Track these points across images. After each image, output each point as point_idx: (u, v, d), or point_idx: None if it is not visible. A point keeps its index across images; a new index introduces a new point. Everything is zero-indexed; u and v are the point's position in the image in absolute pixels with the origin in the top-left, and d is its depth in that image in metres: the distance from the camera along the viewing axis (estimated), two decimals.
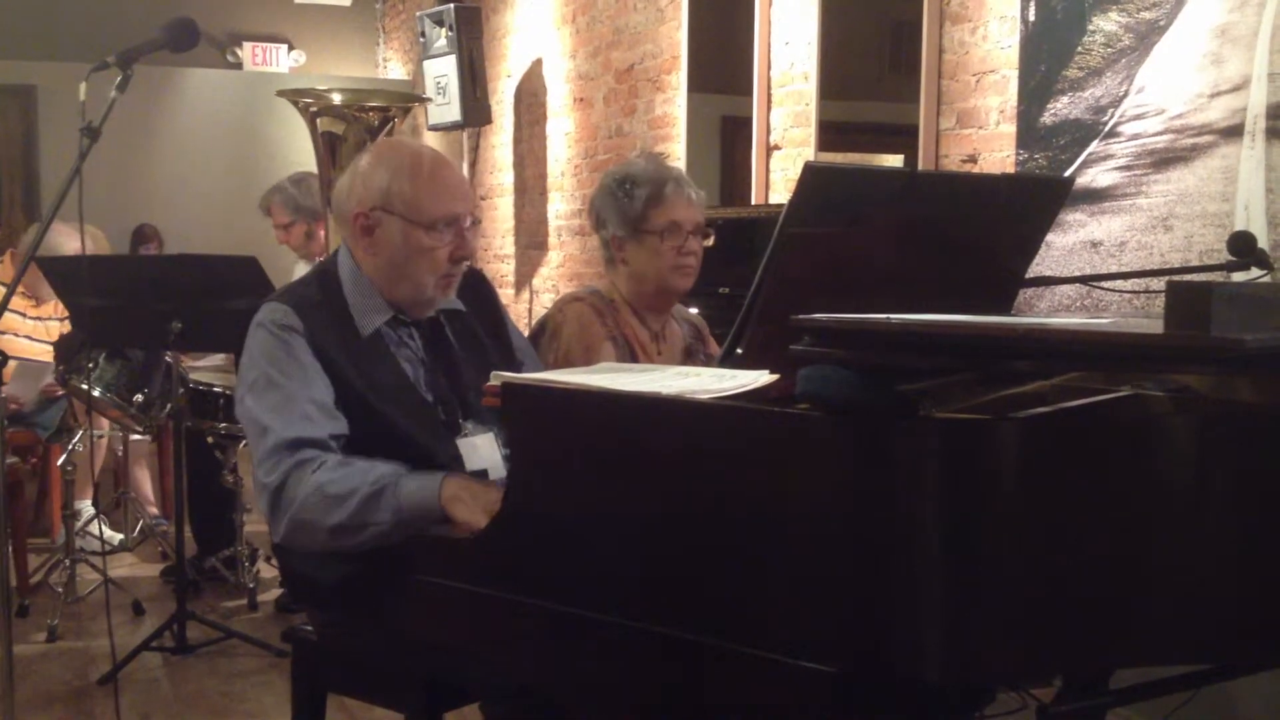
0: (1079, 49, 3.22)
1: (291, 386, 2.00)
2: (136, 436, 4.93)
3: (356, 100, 4.17)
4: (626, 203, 2.54)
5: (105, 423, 4.68)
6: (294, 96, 4.24)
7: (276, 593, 4.31)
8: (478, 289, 2.33)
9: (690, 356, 2.67)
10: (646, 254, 2.55)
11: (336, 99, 4.15)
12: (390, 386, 2.08)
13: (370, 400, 2.03)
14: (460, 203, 2.13)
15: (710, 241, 2.61)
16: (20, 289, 4.39)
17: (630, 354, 2.54)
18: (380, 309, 2.13)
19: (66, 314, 5.05)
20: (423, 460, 1.99)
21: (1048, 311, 3.24)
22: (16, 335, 4.71)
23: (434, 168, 2.13)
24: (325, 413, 2.00)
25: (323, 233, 4.45)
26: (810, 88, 4.39)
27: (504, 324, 2.35)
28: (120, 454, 5.13)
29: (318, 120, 4.13)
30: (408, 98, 4.41)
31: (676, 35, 5.33)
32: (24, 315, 4.76)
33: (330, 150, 4.14)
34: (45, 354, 4.85)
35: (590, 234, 2.96)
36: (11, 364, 4.55)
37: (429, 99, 4.67)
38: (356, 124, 4.08)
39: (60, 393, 4.67)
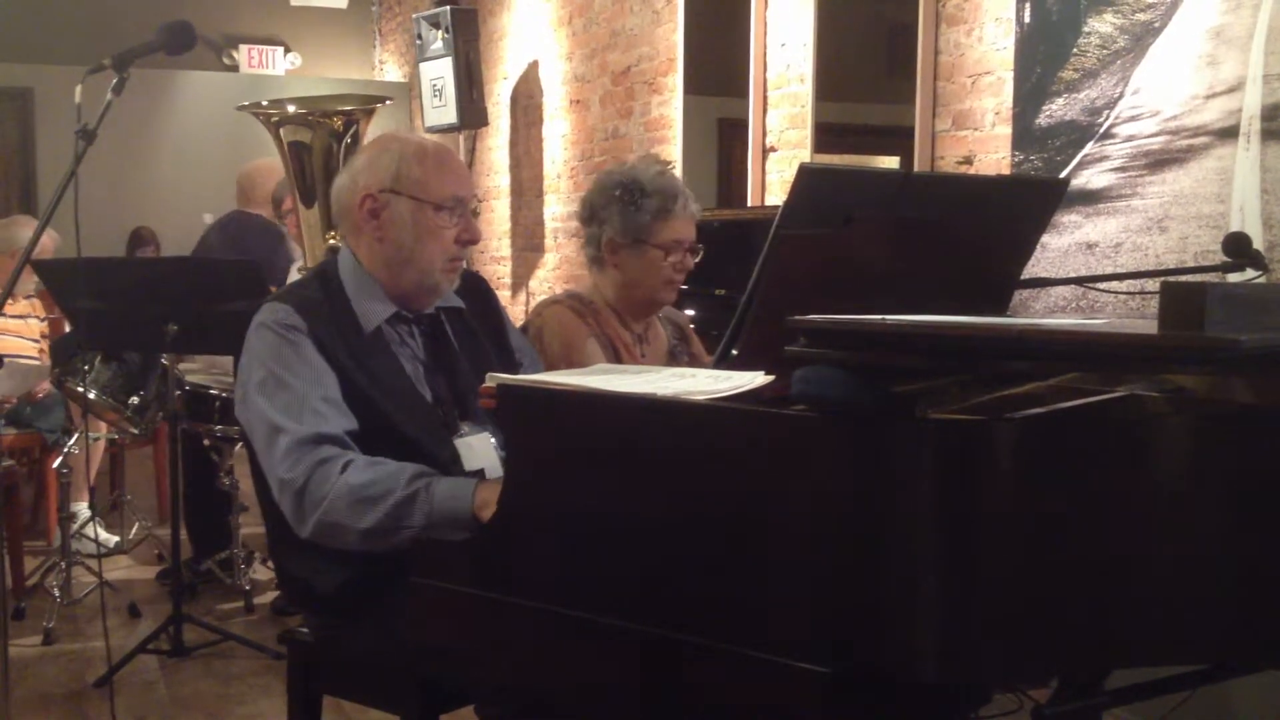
0: (1074, 51, 3.22)
1: (301, 385, 2.00)
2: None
3: (316, 106, 4.14)
4: (632, 211, 2.50)
5: (103, 425, 4.68)
6: (254, 110, 4.21)
7: (272, 595, 4.30)
8: (476, 288, 2.34)
9: (674, 358, 2.66)
10: (643, 265, 2.52)
11: (291, 109, 4.12)
12: (392, 385, 2.08)
13: (372, 398, 2.04)
14: (465, 186, 2.17)
15: (699, 257, 2.60)
16: None
17: (614, 355, 2.52)
18: (383, 304, 2.13)
19: (44, 313, 5.06)
20: (421, 460, 1.99)
21: (1043, 313, 3.24)
22: (4, 335, 4.72)
23: (439, 152, 2.17)
24: (337, 409, 2.00)
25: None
26: (806, 90, 4.40)
27: (503, 324, 2.36)
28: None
29: (281, 130, 4.11)
30: (369, 99, 4.35)
31: (673, 38, 5.33)
32: (5, 316, 4.76)
33: (298, 159, 4.11)
34: (33, 351, 4.85)
35: None
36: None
37: (389, 99, 4.63)
38: (321, 129, 4.06)
39: (43, 394, 4.67)
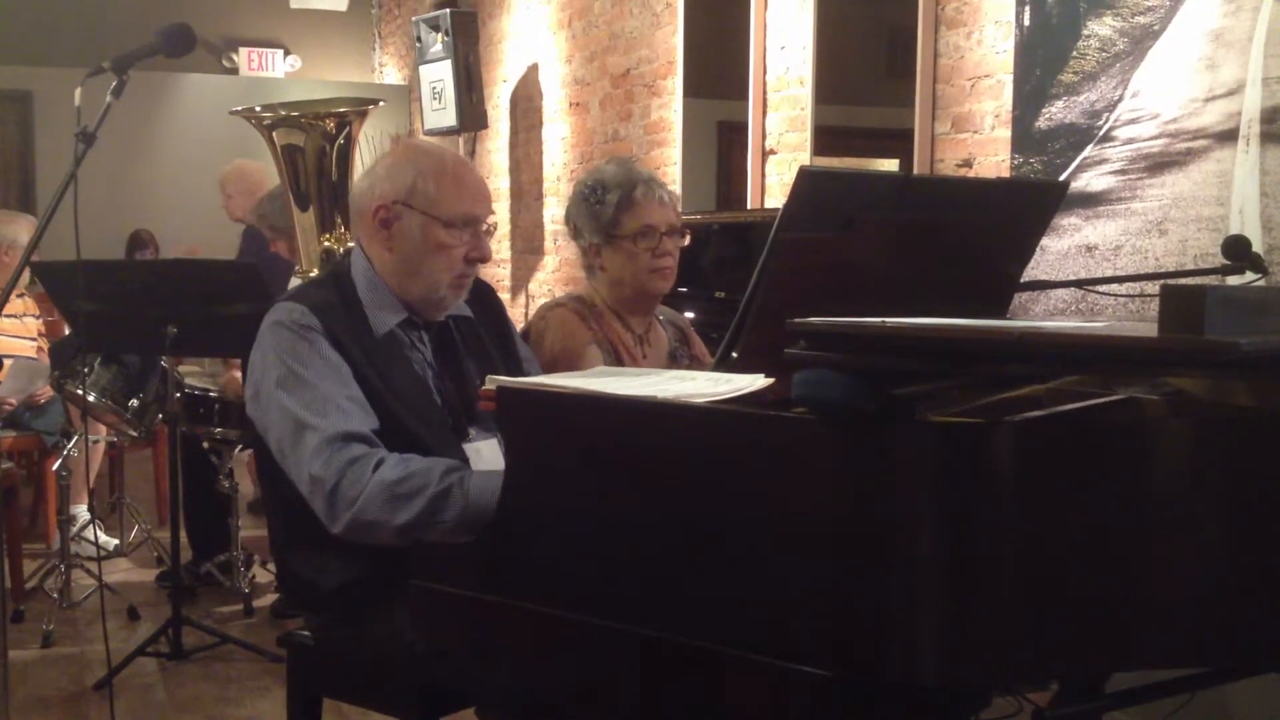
0: (1074, 54, 3.22)
1: (323, 383, 2.01)
2: None
3: (309, 110, 4.14)
4: (598, 209, 2.55)
5: (102, 428, 4.67)
6: (247, 114, 4.21)
7: (272, 598, 4.30)
8: (485, 298, 2.36)
9: (674, 360, 2.67)
10: (623, 259, 2.56)
11: (284, 113, 4.12)
12: (404, 388, 2.09)
13: (385, 400, 2.04)
14: (481, 206, 2.17)
15: (686, 241, 2.62)
16: None
17: (615, 357, 2.54)
18: (394, 309, 2.15)
19: (38, 311, 5.06)
20: None
21: (1043, 315, 3.24)
22: (3, 335, 4.72)
23: (458, 169, 2.18)
24: (361, 407, 2.01)
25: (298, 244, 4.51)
26: (806, 92, 4.40)
27: (510, 333, 2.39)
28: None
29: (274, 134, 4.11)
30: (361, 101, 4.36)
31: (672, 40, 5.34)
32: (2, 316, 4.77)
33: (291, 163, 4.11)
34: (31, 350, 4.85)
35: None
36: (7, 363, 4.56)
37: (382, 101, 4.63)
38: (314, 132, 4.06)
39: (44, 398, 4.67)
